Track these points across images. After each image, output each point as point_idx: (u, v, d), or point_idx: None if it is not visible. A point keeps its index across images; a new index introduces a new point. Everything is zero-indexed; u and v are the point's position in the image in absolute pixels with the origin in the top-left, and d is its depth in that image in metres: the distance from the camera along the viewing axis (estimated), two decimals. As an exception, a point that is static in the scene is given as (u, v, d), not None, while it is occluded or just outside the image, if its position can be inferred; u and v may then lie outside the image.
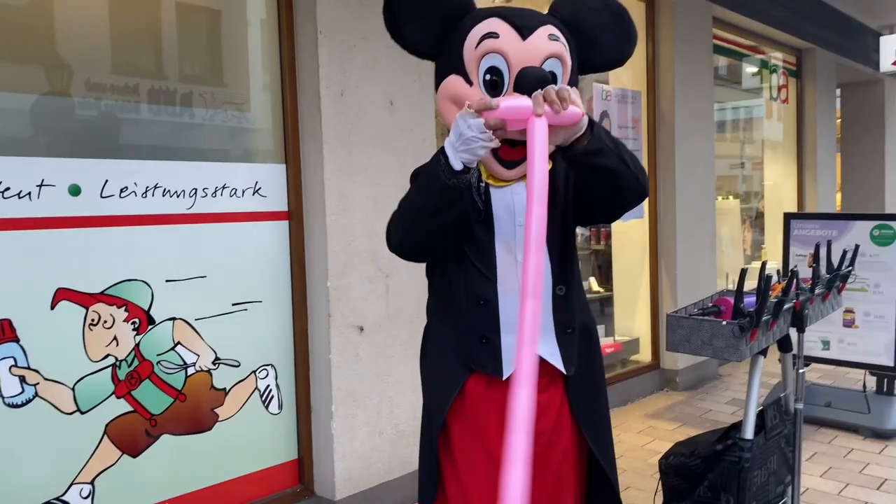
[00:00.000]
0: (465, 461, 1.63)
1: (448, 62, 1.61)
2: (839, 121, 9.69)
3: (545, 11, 1.70)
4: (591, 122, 1.47)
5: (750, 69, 7.31)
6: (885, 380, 4.36)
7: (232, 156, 2.96)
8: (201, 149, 2.86)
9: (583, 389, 1.70)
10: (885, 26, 8.74)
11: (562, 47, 1.58)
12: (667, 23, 5.25)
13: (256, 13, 3.06)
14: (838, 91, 9.36)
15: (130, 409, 2.62)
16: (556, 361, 1.65)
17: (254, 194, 2.97)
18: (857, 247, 2.87)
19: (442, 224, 1.53)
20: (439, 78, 1.65)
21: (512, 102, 1.41)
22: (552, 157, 1.65)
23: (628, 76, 5.31)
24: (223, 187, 2.87)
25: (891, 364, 4.28)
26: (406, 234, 1.56)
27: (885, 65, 8.09)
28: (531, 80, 1.45)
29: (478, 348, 1.62)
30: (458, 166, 1.44)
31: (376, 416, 3.21)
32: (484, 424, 1.63)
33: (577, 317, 1.68)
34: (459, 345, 1.64)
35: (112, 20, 2.68)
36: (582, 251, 5.69)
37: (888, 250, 4.30)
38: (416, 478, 1.74)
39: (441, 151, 1.47)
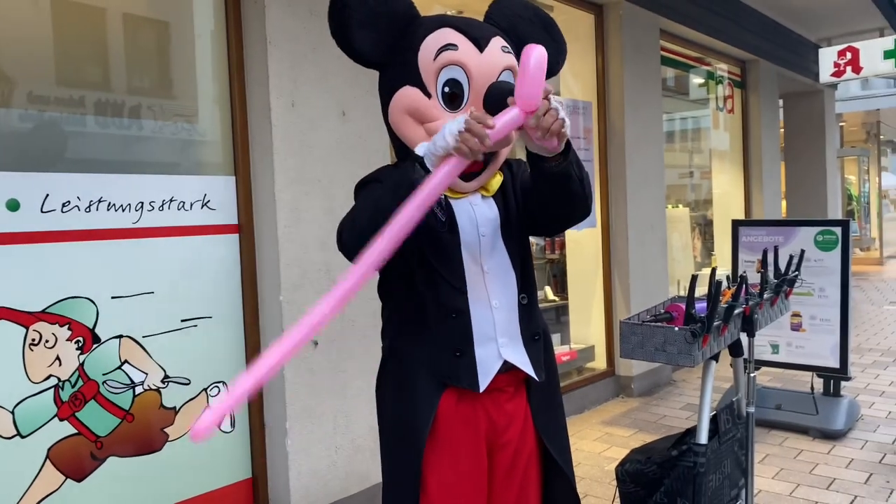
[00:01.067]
0: (436, 482, 1.59)
1: (401, 72, 1.58)
2: (782, 130, 9.98)
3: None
4: (567, 144, 1.47)
5: (697, 80, 7.49)
6: (832, 381, 4.48)
7: (179, 168, 2.89)
8: (147, 161, 2.79)
9: (543, 395, 1.71)
10: (823, 39, 9.06)
11: (513, 59, 1.59)
12: (615, 34, 5.34)
13: (205, 24, 3.00)
14: (781, 101, 9.64)
15: (74, 431, 2.53)
16: (528, 368, 1.64)
17: (202, 207, 2.90)
18: (802, 252, 2.94)
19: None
20: (389, 88, 1.61)
21: (505, 119, 1.37)
22: (501, 169, 1.65)
23: (579, 87, 5.38)
24: (170, 200, 2.80)
25: (836, 366, 4.40)
26: (360, 234, 1.43)
27: (825, 76, 8.37)
28: (502, 98, 1.43)
29: (451, 362, 1.57)
30: (420, 152, 1.40)
31: (332, 432, 3.15)
32: (456, 443, 1.60)
33: (541, 323, 1.70)
34: (430, 360, 1.59)
35: (56, 32, 2.61)
36: (537, 260, 5.73)
37: (832, 255, 4.42)
38: (374, 493, 1.71)
39: (412, 158, 1.42)
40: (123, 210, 2.66)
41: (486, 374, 1.58)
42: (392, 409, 1.66)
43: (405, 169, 1.42)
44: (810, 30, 8.83)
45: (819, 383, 4.52)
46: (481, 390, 1.58)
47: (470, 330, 1.57)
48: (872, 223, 16.13)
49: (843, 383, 4.53)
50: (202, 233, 2.90)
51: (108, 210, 2.62)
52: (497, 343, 1.60)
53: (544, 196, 1.56)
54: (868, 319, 8.28)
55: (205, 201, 2.91)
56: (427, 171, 1.38)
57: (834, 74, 8.26)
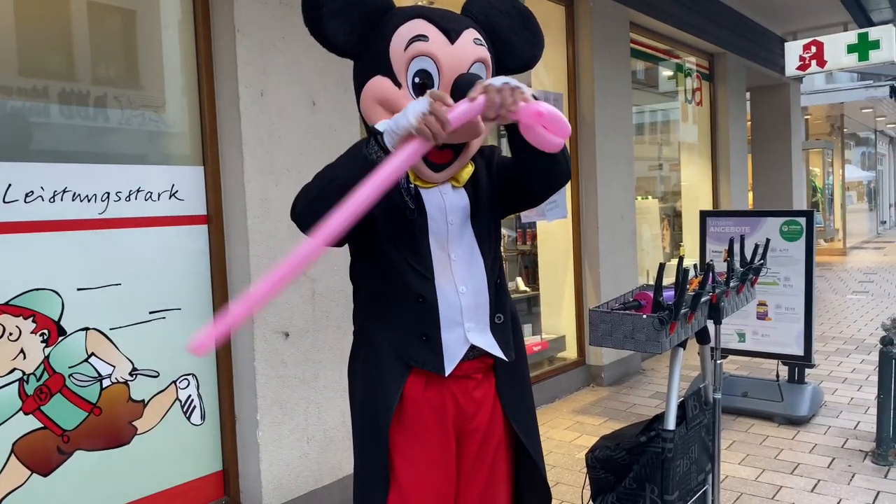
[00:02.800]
0: (405, 469, 1.61)
1: (372, 62, 1.58)
2: (749, 122, 10.12)
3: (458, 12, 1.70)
4: None
5: (666, 72, 7.56)
6: (797, 369, 4.57)
7: (147, 158, 2.85)
8: (114, 152, 2.75)
9: (511, 379, 1.73)
10: (789, 32, 9.19)
11: (486, 51, 1.61)
12: (586, 26, 5.37)
13: (172, 13, 2.96)
14: (748, 94, 9.78)
15: (40, 425, 2.49)
16: (495, 350, 1.66)
17: (170, 198, 2.87)
18: (767, 241, 2.99)
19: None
20: (361, 77, 1.62)
21: (460, 109, 1.39)
22: (473, 159, 1.67)
23: (550, 78, 5.40)
24: (138, 191, 2.76)
25: (801, 353, 4.49)
26: (312, 203, 1.47)
27: (790, 69, 8.49)
28: (467, 88, 1.44)
29: (418, 345, 1.60)
30: (381, 128, 1.41)
31: (304, 423, 3.14)
32: (424, 429, 1.62)
33: (507, 306, 1.72)
34: (398, 343, 1.61)
35: (19, 21, 2.55)
36: (509, 252, 5.76)
37: (796, 245, 4.51)
38: (347, 484, 1.71)
39: (372, 131, 1.43)
40: (89, 200, 2.61)
41: (451, 359, 1.61)
42: (361, 390, 1.67)
43: (362, 142, 1.44)
44: (777, 23, 8.96)
45: (784, 371, 4.61)
46: (447, 374, 1.60)
47: (437, 315, 1.60)
48: (836, 215, 16.46)
49: (807, 370, 4.63)
50: (170, 223, 2.87)
51: (73, 200, 2.57)
52: (464, 328, 1.62)
53: (528, 166, 1.58)
54: (832, 308, 8.46)
55: (173, 192, 2.87)
56: (383, 147, 1.40)
57: (799, 68, 8.39)
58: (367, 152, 1.40)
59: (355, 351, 1.72)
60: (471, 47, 1.57)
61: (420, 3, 4.24)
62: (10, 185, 2.41)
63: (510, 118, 1.40)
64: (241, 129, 2.92)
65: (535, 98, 1.41)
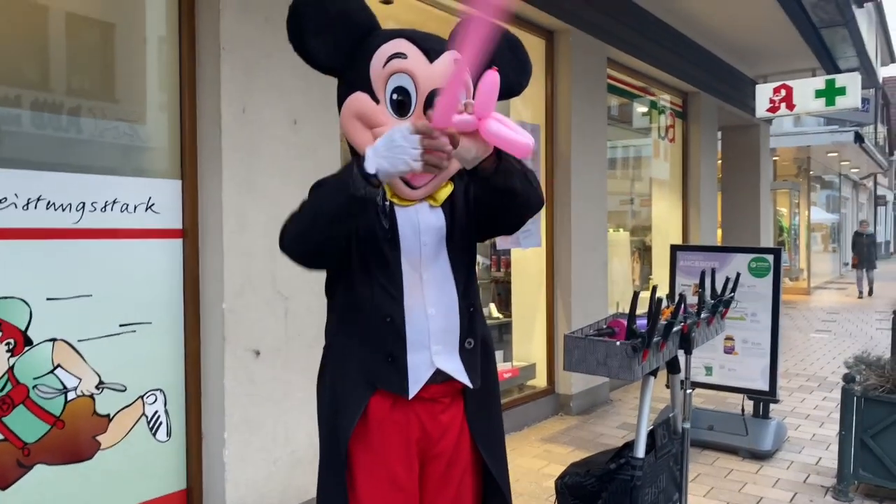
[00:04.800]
0: (368, 490, 1.60)
1: (354, 79, 1.61)
2: (720, 161, 10.34)
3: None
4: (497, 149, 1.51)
5: (640, 109, 7.71)
6: (761, 403, 4.64)
7: (124, 170, 2.83)
8: (92, 162, 2.72)
9: (480, 405, 1.72)
10: (760, 75, 9.45)
11: (466, 74, 1.62)
12: (565, 60, 5.47)
13: (155, 28, 2.96)
14: (720, 133, 10.00)
15: (1, 437, 2.43)
16: (461, 376, 1.66)
17: (146, 210, 2.85)
18: (738, 275, 3.06)
19: (337, 234, 1.51)
20: (343, 94, 1.65)
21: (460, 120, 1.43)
22: (452, 179, 1.68)
23: (528, 110, 5.48)
24: (113, 202, 2.73)
25: (766, 388, 4.56)
26: (300, 237, 1.51)
27: (760, 111, 8.71)
28: None
29: (383, 366, 1.59)
30: (371, 170, 1.41)
31: (271, 443, 3.11)
32: (387, 451, 1.61)
33: (478, 332, 1.71)
34: (363, 363, 1.60)
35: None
36: (482, 279, 5.78)
37: (764, 281, 4.60)
38: (314, 504, 1.69)
39: (353, 162, 1.45)
40: (64, 210, 2.58)
41: (416, 381, 1.60)
42: (326, 406, 1.67)
43: (347, 176, 1.43)
44: (748, 66, 9.22)
45: (749, 405, 4.67)
46: (410, 397, 1.60)
47: (403, 336, 1.59)
48: (801, 254, 16.81)
49: (771, 406, 4.70)
50: (145, 236, 2.84)
51: (47, 209, 2.54)
52: (430, 351, 1.61)
53: (494, 199, 1.60)
54: (796, 346, 8.60)
55: (149, 204, 2.85)
56: (371, 183, 1.41)
57: (769, 110, 8.61)
58: (353, 189, 1.41)
59: (323, 366, 1.72)
60: (450, 68, 1.57)
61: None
62: (-17, 191, 2.38)
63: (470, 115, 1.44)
64: (222, 144, 2.92)
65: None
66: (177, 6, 2.97)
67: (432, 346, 1.62)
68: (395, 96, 1.57)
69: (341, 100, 1.66)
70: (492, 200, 1.60)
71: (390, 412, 1.61)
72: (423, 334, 1.61)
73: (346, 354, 1.63)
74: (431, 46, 1.59)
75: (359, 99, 1.59)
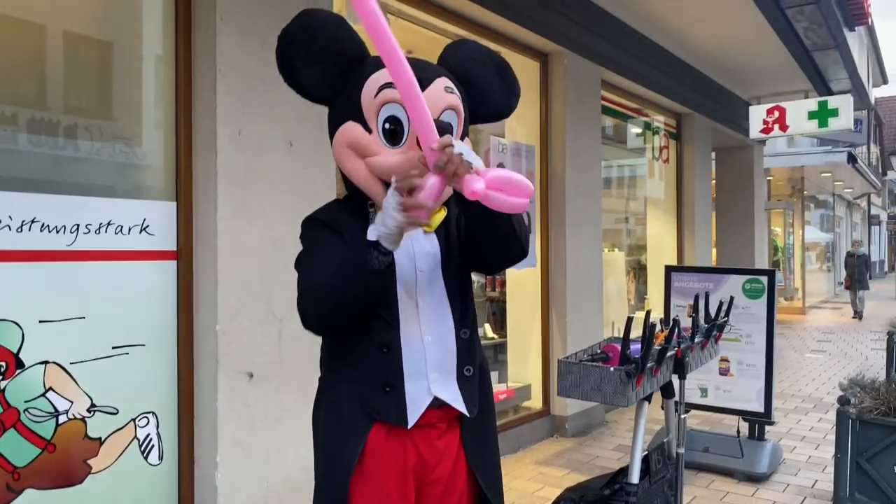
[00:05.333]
0: None
1: (345, 109, 1.60)
2: (714, 181, 10.40)
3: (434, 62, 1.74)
4: None
5: (634, 130, 7.76)
6: (757, 425, 4.62)
7: (118, 191, 2.83)
8: (85, 183, 2.72)
9: (477, 432, 1.70)
10: (753, 97, 9.53)
11: (457, 99, 1.63)
12: (559, 82, 5.51)
13: (152, 48, 2.97)
14: (714, 154, 10.07)
15: (-9, 461, 2.40)
16: (458, 405, 1.64)
17: (141, 232, 2.84)
18: (731, 298, 3.07)
19: (366, 305, 1.52)
20: (335, 123, 1.65)
21: (431, 183, 1.40)
22: (446, 203, 1.68)
23: (523, 131, 5.51)
24: (108, 224, 2.73)
25: (761, 410, 4.55)
26: (328, 317, 1.50)
27: (754, 132, 8.78)
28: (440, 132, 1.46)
29: (381, 397, 1.57)
30: (372, 237, 1.41)
31: (264, 467, 3.08)
32: (383, 478, 1.59)
33: (476, 358, 1.70)
34: (360, 394, 1.59)
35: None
36: (478, 298, 5.78)
37: (758, 303, 4.61)
38: (306, 530, 1.67)
39: (369, 243, 1.43)
40: (58, 231, 2.58)
41: (415, 410, 1.58)
42: (323, 440, 1.65)
43: (361, 253, 1.43)
44: (742, 88, 9.30)
45: (745, 427, 4.66)
46: (410, 426, 1.58)
47: (400, 365, 1.57)
48: (796, 274, 16.85)
49: (767, 427, 4.69)
50: (139, 258, 2.84)
51: (41, 231, 2.54)
52: (427, 379, 1.60)
53: (479, 238, 1.59)
54: (791, 366, 8.60)
55: (143, 226, 2.85)
56: (383, 252, 1.41)
57: (763, 131, 8.68)
58: (372, 264, 1.41)
59: (318, 400, 1.70)
60: (441, 94, 1.59)
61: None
62: (-23, 213, 2.38)
63: (457, 187, 1.41)
64: (217, 166, 2.92)
65: (486, 167, 1.42)
66: (174, 27, 2.99)
67: (430, 373, 1.60)
68: (387, 125, 1.57)
69: (333, 128, 1.66)
70: (478, 236, 1.59)
71: (386, 440, 1.59)
72: (421, 362, 1.59)
73: (342, 385, 1.62)
74: (422, 74, 1.58)
75: (351, 128, 1.59)
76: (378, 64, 1.60)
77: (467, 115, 1.69)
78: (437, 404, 1.62)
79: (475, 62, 1.75)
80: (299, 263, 1.61)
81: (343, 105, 1.61)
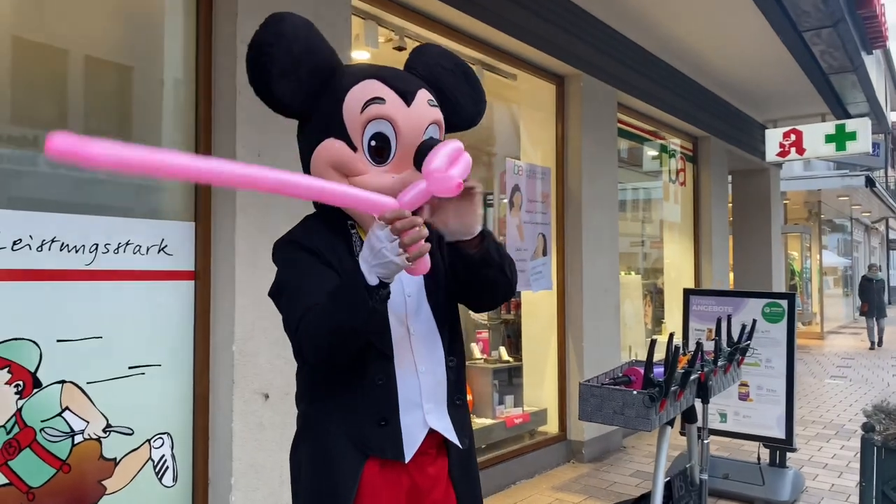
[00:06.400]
0: None
1: (324, 124, 1.52)
2: (731, 205, 10.34)
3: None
4: (483, 231, 1.49)
5: (651, 152, 7.75)
6: (778, 452, 4.54)
7: (137, 211, 2.84)
8: (105, 204, 2.74)
9: (463, 464, 1.64)
10: (769, 120, 9.50)
11: (439, 113, 1.58)
12: (575, 105, 5.52)
13: (172, 71, 3.00)
14: (730, 177, 10.02)
15: (6, 481, 2.39)
16: (451, 436, 1.58)
17: (159, 252, 2.85)
18: (754, 322, 3.02)
19: (366, 336, 1.44)
20: (310, 140, 1.55)
21: (411, 193, 1.38)
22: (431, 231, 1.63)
23: (539, 153, 5.51)
24: (126, 244, 2.74)
25: (782, 436, 4.47)
26: (328, 352, 1.41)
27: (770, 155, 8.73)
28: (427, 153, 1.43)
29: (375, 432, 1.49)
30: (373, 281, 1.34)
31: (279, 488, 3.05)
32: None
33: (464, 387, 1.64)
34: (352, 430, 1.49)
35: (15, 70, 2.57)
36: (492, 321, 5.74)
37: (778, 327, 4.54)
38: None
39: (354, 281, 1.36)
40: (77, 251, 2.59)
41: (411, 444, 1.51)
42: (311, 484, 1.53)
43: (356, 288, 1.35)
44: (758, 111, 9.27)
45: (765, 453, 4.57)
46: (407, 461, 1.51)
47: (395, 397, 1.50)
48: (813, 298, 16.66)
49: (788, 454, 4.60)
50: (157, 278, 2.84)
51: (60, 250, 2.55)
52: (423, 409, 1.53)
53: (466, 280, 1.56)
54: (811, 392, 8.46)
55: (162, 246, 2.86)
56: (381, 294, 1.36)
57: (779, 154, 8.63)
58: (374, 301, 1.34)
59: (299, 439, 1.59)
60: (426, 109, 1.53)
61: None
62: (-2, 232, 2.39)
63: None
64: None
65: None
66: (194, 50, 3.02)
67: (424, 404, 1.53)
68: (373, 143, 1.48)
69: (307, 144, 1.56)
70: (465, 277, 1.56)
71: (380, 473, 1.51)
72: (416, 393, 1.52)
73: (331, 424, 1.51)
74: (406, 88, 1.51)
75: (334, 146, 1.50)
76: (355, 75, 1.53)
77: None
78: (429, 431, 1.56)
79: (443, 69, 1.68)
80: (282, 291, 1.52)
81: (321, 120, 1.52)
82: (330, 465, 1.50)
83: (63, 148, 1.07)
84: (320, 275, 1.47)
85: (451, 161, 1.38)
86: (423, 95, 1.54)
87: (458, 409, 1.61)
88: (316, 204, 1.63)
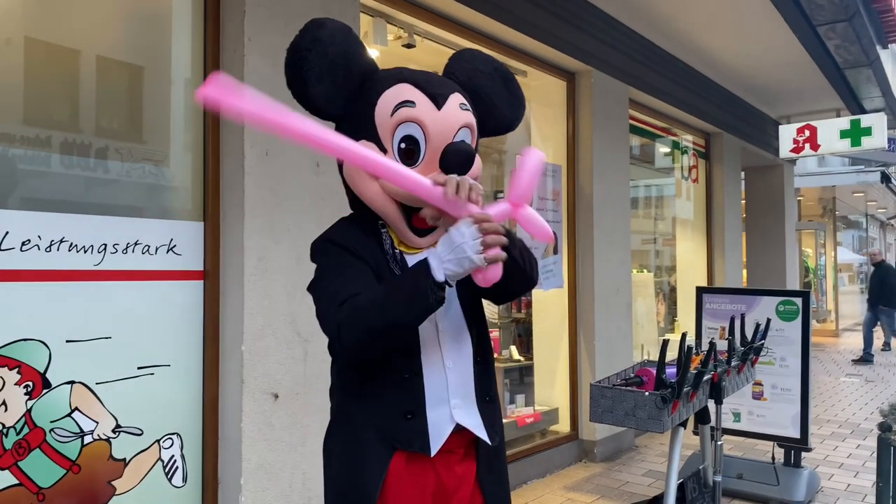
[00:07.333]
0: None
1: (357, 127, 1.55)
2: (744, 201, 10.25)
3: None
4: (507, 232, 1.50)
5: (663, 149, 7.68)
6: (792, 451, 4.48)
7: (146, 211, 2.84)
8: (114, 204, 2.73)
9: (491, 464, 1.65)
10: (783, 116, 9.41)
11: (471, 116, 1.59)
12: (586, 101, 5.47)
13: (181, 71, 3.00)
14: (743, 173, 9.94)
15: (16, 482, 2.39)
16: (480, 432, 1.59)
17: (168, 252, 2.84)
18: (768, 321, 2.98)
19: (408, 335, 1.49)
20: None
21: (497, 209, 1.48)
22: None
23: (550, 150, 5.47)
24: (135, 244, 2.73)
25: (797, 436, 4.42)
26: (371, 344, 1.43)
27: (784, 151, 8.64)
28: (458, 161, 1.48)
29: (403, 425, 1.52)
30: (440, 277, 1.38)
31: (288, 490, 3.04)
32: None
33: (494, 384, 1.66)
34: (380, 422, 1.53)
35: (27, 71, 2.57)
36: (503, 320, 5.71)
37: (792, 325, 4.49)
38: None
39: (420, 272, 1.40)
40: (86, 251, 2.58)
41: (437, 438, 1.53)
42: (340, 473, 1.58)
43: (413, 284, 1.40)
44: (771, 107, 9.18)
45: (780, 453, 4.52)
46: (433, 454, 1.53)
47: (422, 392, 1.52)
48: (828, 296, 16.51)
49: (803, 454, 4.54)
50: (166, 278, 2.83)
51: (69, 251, 2.54)
52: (450, 405, 1.55)
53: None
54: (826, 390, 8.38)
55: (171, 246, 2.85)
56: (441, 287, 1.40)
57: (793, 150, 8.54)
58: (430, 299, 1.38)
59: (332, 429, 1.63)
60: (457, 113, 1.55)
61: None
62: (7, 233, 2.39)
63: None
64: (245, 187, 2.92)
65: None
66: (202, 50, 3.01)
67: (451, 399, 1.55)
68: (403, 145, 1.52)
69: None
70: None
71: (407, 467, 1.54)
72: (442, 388, 1.54)
73: (361, 417, 1.55)
74: (438, 91, 1.54)
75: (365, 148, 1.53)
76: (389, 79, 1.56)
77: (478, 131, 1.65)
78: (457, 429, 1.57)
79: (482, 73, 1.71)
80: (323, 286, 1.54)
81: (354, 122, 1.56)
82: (359, 456, 1.53)
83: (213, 96, 1.21)
84: (362, 272, 1.52)
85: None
86: (456, 99, 1.56)
87: (489, 405, 1.62)
88: (352, 205, 1.69)
